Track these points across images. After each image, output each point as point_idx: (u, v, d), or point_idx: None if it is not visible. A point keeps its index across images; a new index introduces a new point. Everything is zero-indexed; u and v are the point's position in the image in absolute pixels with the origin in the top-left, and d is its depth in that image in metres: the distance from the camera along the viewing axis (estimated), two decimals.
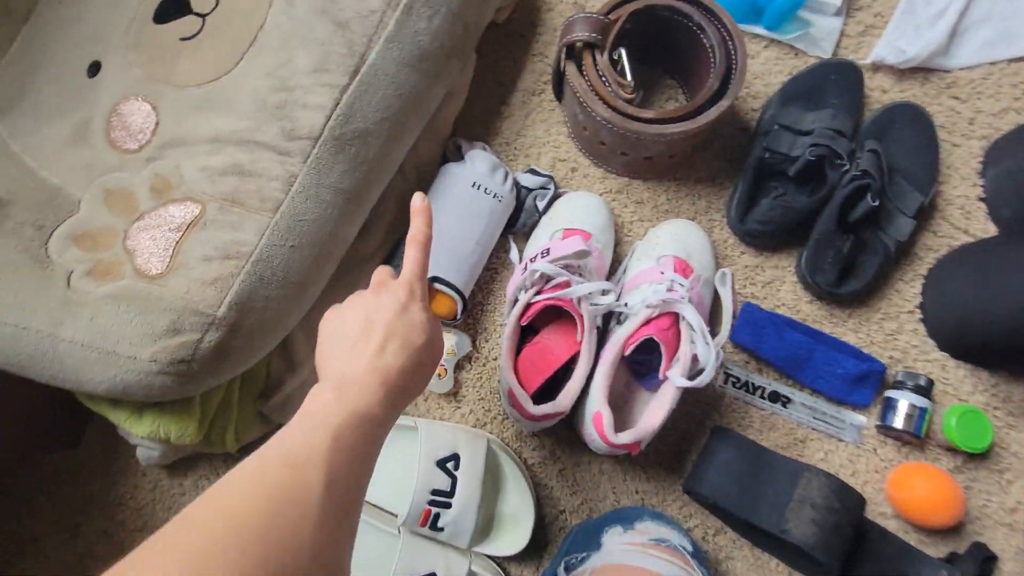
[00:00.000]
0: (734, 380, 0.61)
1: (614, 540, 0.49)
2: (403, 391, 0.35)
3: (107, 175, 0.50)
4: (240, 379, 0.55)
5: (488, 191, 0.59)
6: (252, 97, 0.50)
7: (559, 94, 0.67)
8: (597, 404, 0.49)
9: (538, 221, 0.63)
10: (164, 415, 0.50)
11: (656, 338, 0.49)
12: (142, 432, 0.50)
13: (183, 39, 0.52)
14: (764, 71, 0.68)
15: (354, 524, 0.30)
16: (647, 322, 0.51)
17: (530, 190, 0.63)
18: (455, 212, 0.59)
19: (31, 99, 0.55)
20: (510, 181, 0.62)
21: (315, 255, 0.51)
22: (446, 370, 0.60)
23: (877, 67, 0.68)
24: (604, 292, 0.52)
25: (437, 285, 0.56)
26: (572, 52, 0.61)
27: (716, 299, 0.61)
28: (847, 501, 0.53)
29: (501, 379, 0.55)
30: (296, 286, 0.50)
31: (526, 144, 0.68)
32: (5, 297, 0.46)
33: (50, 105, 0.54)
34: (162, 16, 0.53)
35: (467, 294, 0.59)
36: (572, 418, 0.56)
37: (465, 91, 0.68)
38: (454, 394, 0.62)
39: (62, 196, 0.50)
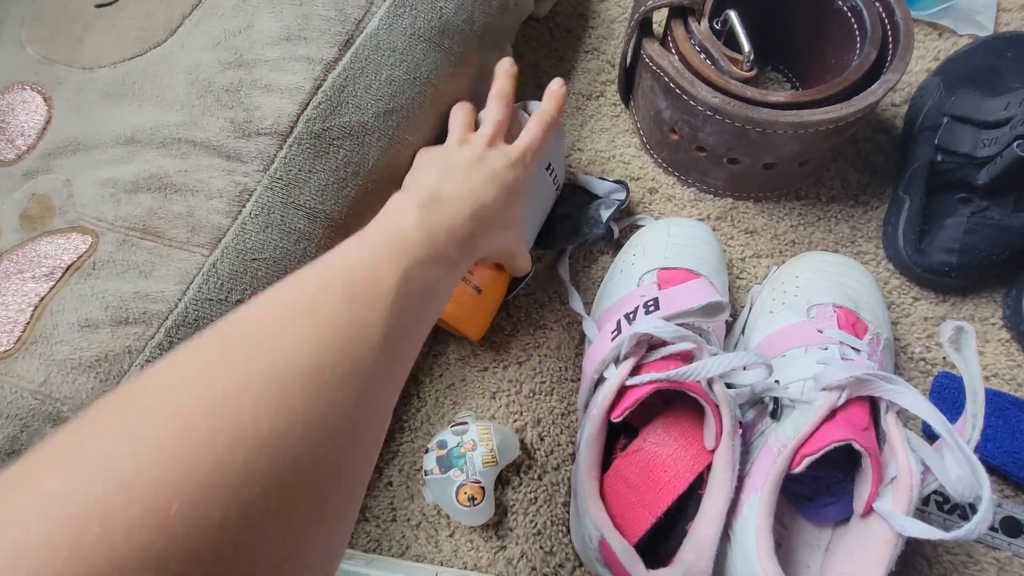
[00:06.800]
0: (938, 500, 0.38)
1: None
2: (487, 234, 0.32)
3: None
4: None
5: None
6: (190, 77, 0.33)
7: (627, 93, 0.50)
8: (763, 567, 0.28)
9: (601, 239, 0.46)
10: None
11: (858, 444, 0.28)
12: None
13: (99, 5, 0.36)
14: None
15: (402, 381, 0.25)
16: (832, 415, 0.30)
17: (596, 197, 0.46)
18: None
19: None
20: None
21: None
22: (482, 489, 0.39)
23: None
24: (748, 366, 0.31)
25: None
26: (649, 28, 0.44)
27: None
28: None
29: (578, 513, 0.33)
30: None
31: (584, 160, 0.50)
32: None
33: None
34: None
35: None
36: None
37: None
38: (494, 525, 0.40)
39: None
